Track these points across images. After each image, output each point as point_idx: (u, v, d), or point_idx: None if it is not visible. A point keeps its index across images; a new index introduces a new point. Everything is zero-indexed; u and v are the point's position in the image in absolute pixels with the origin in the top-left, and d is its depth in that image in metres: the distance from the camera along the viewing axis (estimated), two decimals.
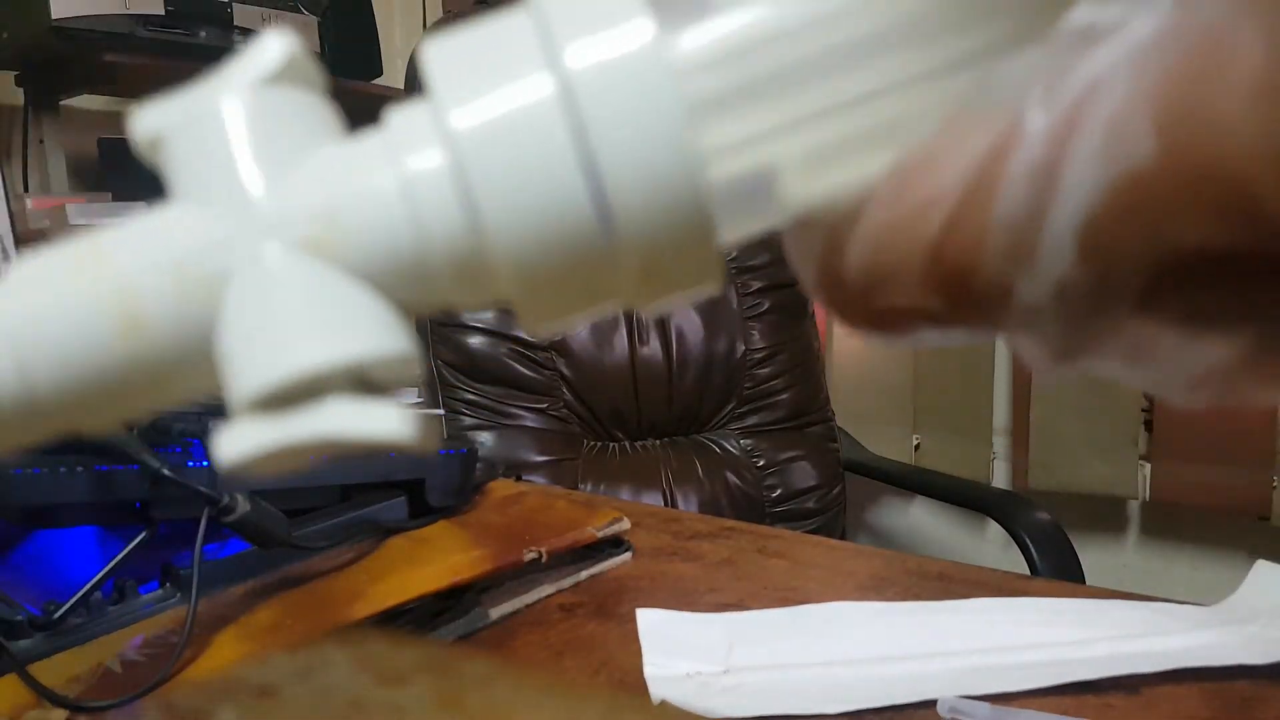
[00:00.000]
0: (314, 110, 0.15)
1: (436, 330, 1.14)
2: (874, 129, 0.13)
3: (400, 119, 0.14)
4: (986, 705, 0.41)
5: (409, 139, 0.14)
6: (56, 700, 0.39)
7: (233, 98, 0.14)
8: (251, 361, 0.14)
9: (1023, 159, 0.12)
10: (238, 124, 0.14)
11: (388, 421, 0.14)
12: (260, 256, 0.14)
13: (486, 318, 1.13)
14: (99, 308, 0.14)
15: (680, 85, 0.13)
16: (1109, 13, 0.12)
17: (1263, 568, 0.54)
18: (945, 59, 0.13)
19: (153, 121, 0.15)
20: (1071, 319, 0.13)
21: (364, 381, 0.14)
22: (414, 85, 1.15)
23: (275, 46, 0.15)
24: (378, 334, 0.14)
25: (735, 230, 0.14)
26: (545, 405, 1.14)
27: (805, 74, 0.13)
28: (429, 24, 1.89)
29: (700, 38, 0.13)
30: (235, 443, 0.14)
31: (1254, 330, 0.12)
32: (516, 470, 0.98)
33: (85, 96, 1.51)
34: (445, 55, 0.14)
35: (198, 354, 0.14)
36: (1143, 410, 1.41)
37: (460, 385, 1.13)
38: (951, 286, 0.13)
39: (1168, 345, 0.13)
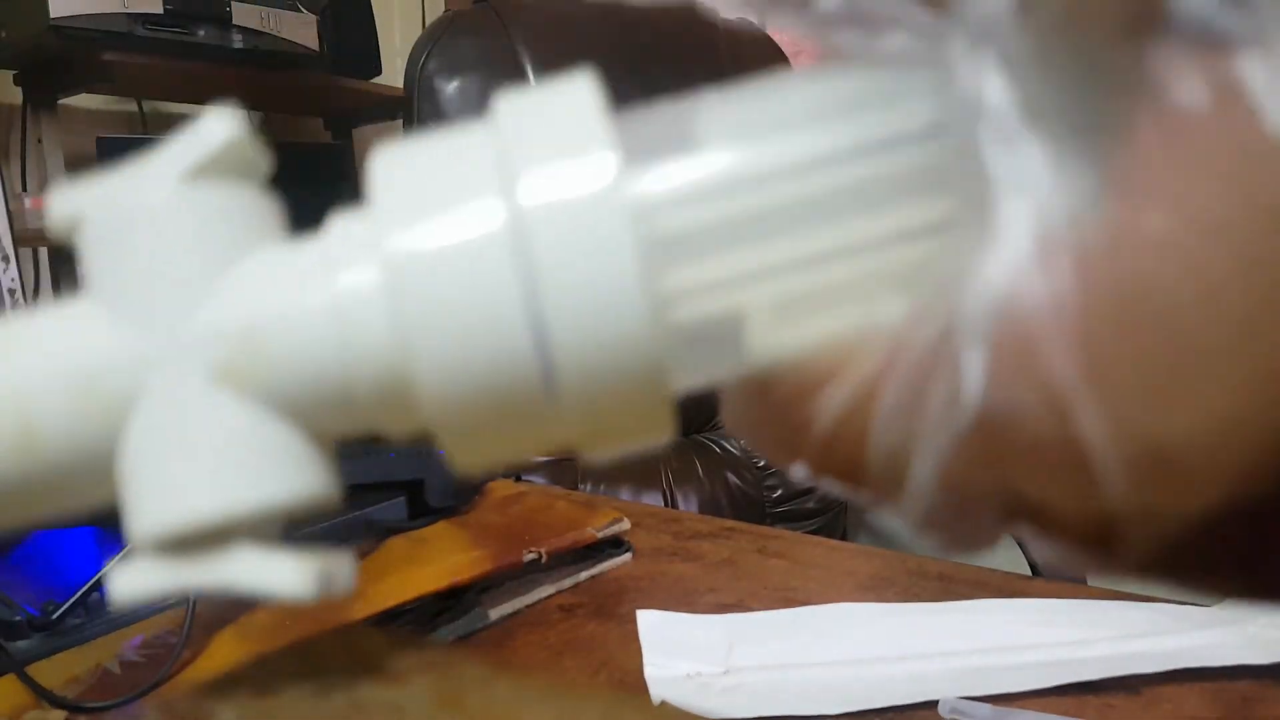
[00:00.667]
0: (249, 207, 0.14)
1: None
2: (852, 282, 0.12)
3: (340, 229, 0.13)
4: (987, 706, 0.41)
5: (346, 254, 0.13)
6: (55, 701, 0.39)
7: (159, 191, 0.13)
8: (153, 500, 0.13)
9: (894, 391, 0.11)
10: (160, 223, 0.13)
11: (291, 578, 0.13)
12: (170, 383, 0.13)
13: None
14: None
15: (641, 230, 0.12)
16: (985, 254, 0.11)
17: None
18: (926, 221, 0.12)
19: (73, 203, 0.14)
20: (946, 530, 0.12)
21: (274, 519, 0.13)
22: (414, 85, 1.15)
23: (214, 130, 0.14)
24: (289, 477, 0.13)
25: (692, 377, 0.13)
26: None
27: (784, 220, 0.12)
28: (429, 22, 1.89)
29: (675, 173, 0.12)
30: (133, 582, 0.13)
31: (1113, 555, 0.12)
32: (516, 470, 0.98)
33: (84, 96, 1.51)
34: (394, 167, 0.13)
35: (96, 474, 0.13)
36: None
37: None
38: (842, 478, 0.13)
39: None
